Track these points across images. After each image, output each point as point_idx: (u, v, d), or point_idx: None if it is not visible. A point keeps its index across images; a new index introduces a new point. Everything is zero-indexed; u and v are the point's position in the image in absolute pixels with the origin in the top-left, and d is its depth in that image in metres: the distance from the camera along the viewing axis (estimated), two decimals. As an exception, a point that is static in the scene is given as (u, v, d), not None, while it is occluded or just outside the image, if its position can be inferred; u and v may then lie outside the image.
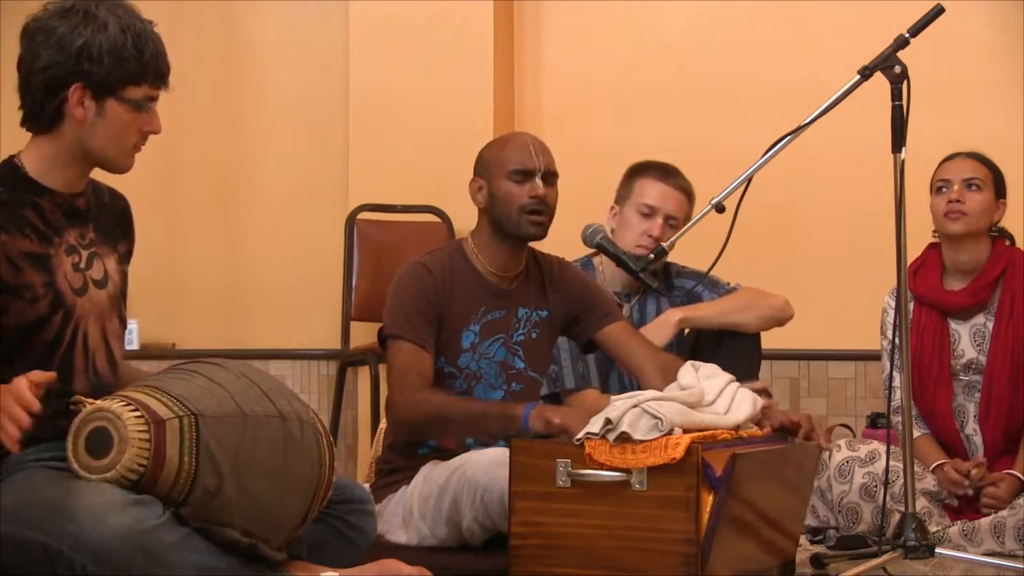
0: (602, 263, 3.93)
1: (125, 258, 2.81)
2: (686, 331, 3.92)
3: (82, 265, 2.66)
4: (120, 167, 2.67)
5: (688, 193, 3.93)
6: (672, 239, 3.58)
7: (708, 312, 3.87)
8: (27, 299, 2.56)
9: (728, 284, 3.96)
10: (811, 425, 3.11)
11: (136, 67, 2.60)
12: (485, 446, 3.30)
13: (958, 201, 3.88)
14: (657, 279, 3.73)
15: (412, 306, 3.29)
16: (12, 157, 2.64)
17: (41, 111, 2.60)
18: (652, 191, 3.88)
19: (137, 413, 2.42)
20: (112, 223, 2.78)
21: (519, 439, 2.95)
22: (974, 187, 3.90)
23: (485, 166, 3.39)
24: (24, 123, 2.64)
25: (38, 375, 2.41)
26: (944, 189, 3.92)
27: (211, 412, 2.47)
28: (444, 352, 3.34)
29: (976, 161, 3.95)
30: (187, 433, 2.43)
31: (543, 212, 3.34)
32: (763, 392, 3.58)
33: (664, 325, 3.77)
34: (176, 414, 2.44)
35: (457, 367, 3.35)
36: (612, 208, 3.96)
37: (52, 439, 2.48)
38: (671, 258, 3.75)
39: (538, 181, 3.33)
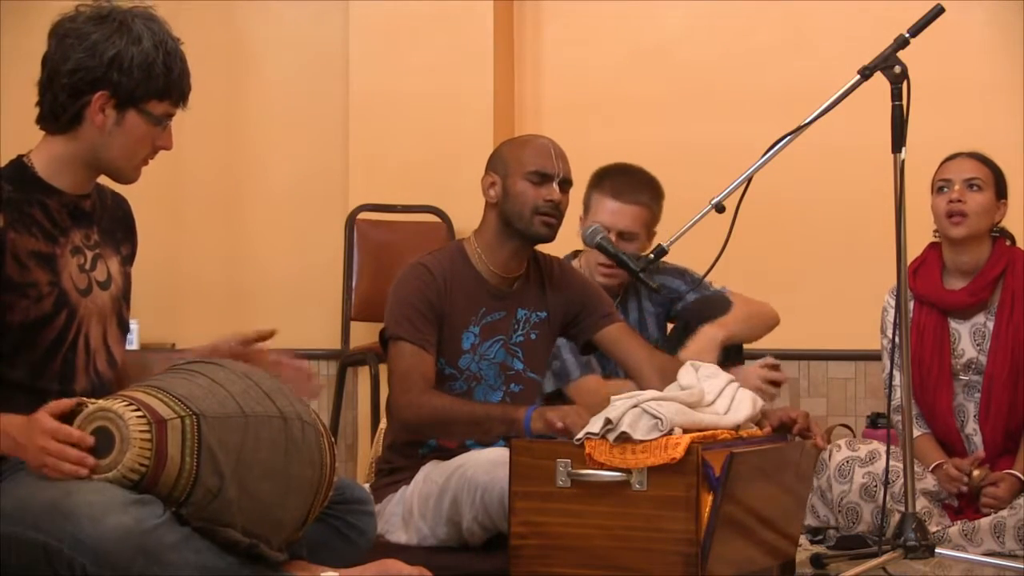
0: (580, 265, 3.91)
1: (128, 260, 2.82)
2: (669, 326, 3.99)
3: (87, 266, 2.67)
4: (127, 178, 2.69)
5: (644, 204, 3.87)
6: (672, 239, 3.58)
7: (739, 328, 3.84)
8: (32, 297, 2.56)
9: (711, 285, 3.94)
10: (807, 422, 3.11)
11: (163, 83, 2.62)
12: (485, 446, 3.30)
13: (959, 201, 3.87)
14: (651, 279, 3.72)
15: (413, 306, 3.29)
16: (21, 156, 2.65)
17: (61, 111, 2.61)
18: (604, 210, 3.84)
19: (139, 413, 2.42)
20: (115, 225, 2.79)
21: (519, 439, 2.96)
22: (975, 187, 3.90)
23: (503, 162, 3.39)
24: (39, 121, 2.65)
25: (58, 406, 2.43)
26: (945, 189, 3.91)
27: (213, 412, 2.47)
28: (444, 353, 3.34)
29: (977, 161, 3.95)
30: (189, 433, 2.43)
31: (555, 216, 3.35)
32: (773, 367, 3.58)
33: (710, 348, 3.70)
34: (178, 414, 2.44)
35: (458, 368, 3.36)
36: (581, 217, 3.92)
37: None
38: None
39: (555, 186, 3.34)
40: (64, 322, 2.61)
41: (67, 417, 2.45)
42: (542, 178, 3.34)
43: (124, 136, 2.62)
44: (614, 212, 3.84)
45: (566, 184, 3.38)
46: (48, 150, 2.64)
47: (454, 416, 3.21)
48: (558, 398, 3.75)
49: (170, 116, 2.67)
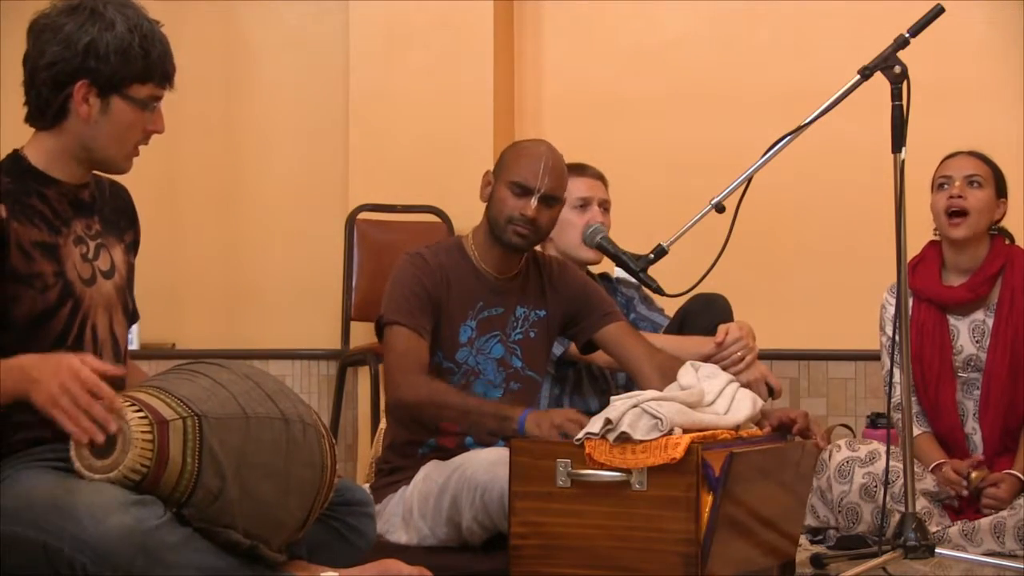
0: (550, 252, 3.96)
1: (132, 248, 2.81)
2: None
3: (90, 255, 2.67)
4: (119, 167, 2.69)
5: (603, 178, 3.98)
6: (672, 239, 3.58)
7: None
8: (37, 288, 2.56)
9: (661, 309, 4.04)
10: (807, 422, 3.11)
11: (142, 66, 2.61)
12: (485, 445, 3.30)
13: (959, 197, 3.88)
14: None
15: (411, 292, 3.30)
16: (16, 150, 2.66)
17: (46, 107, 2.61)
18: (579, 186, 3.86)
19: (141, 414, 2.42)
20: (117, 215, 2.79)
21: (519, 439, 2.96)
22: (975, 184, 3.90)
23: (499, 165, 3.41)
24: (28, 119, 2.65)
25: (99, 364, 2.42)
26: (945, 186, 3.92)
27: (215, 414, 2.47)
28: (442, 347, 3.34)
29: (978, 159, 3.95)
30: (191, 434, 2.43)
31: (528, 229, 3.35)
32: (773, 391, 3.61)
33: (751, 333, 3.74)
34: (180, 415, 2.44)
35: (455, 362, 3.36)
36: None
37: (55, 439, 2.47)
38: (602, 268, 3.91)
39: (533, 201, 3.33)
40: (70, 312, 2.60)
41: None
42: (522, 191, 3.34)
43: (111, 124, 2.62)
44: (590, 185, 3.90)
45: (550, 200, 3.36)
46: (40, 145, 2.64)
47: (447, 401, 3.20)
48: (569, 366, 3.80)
49: (157, 99, 2.66)
